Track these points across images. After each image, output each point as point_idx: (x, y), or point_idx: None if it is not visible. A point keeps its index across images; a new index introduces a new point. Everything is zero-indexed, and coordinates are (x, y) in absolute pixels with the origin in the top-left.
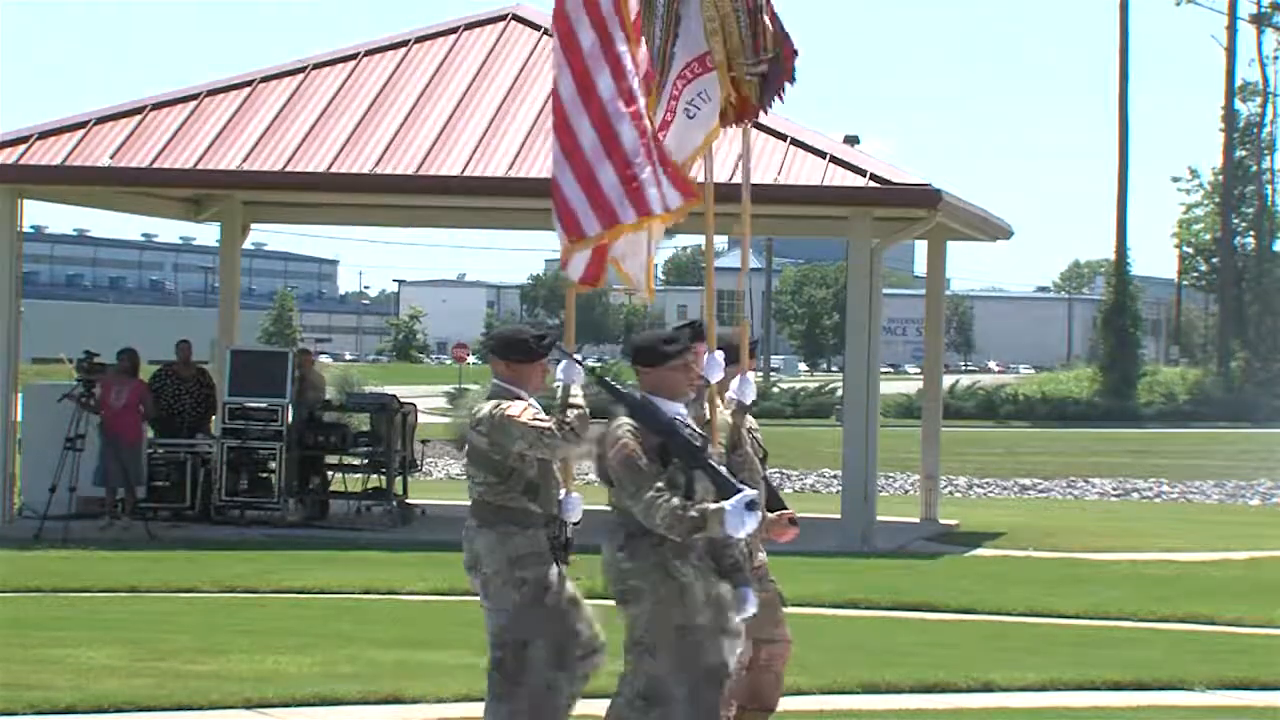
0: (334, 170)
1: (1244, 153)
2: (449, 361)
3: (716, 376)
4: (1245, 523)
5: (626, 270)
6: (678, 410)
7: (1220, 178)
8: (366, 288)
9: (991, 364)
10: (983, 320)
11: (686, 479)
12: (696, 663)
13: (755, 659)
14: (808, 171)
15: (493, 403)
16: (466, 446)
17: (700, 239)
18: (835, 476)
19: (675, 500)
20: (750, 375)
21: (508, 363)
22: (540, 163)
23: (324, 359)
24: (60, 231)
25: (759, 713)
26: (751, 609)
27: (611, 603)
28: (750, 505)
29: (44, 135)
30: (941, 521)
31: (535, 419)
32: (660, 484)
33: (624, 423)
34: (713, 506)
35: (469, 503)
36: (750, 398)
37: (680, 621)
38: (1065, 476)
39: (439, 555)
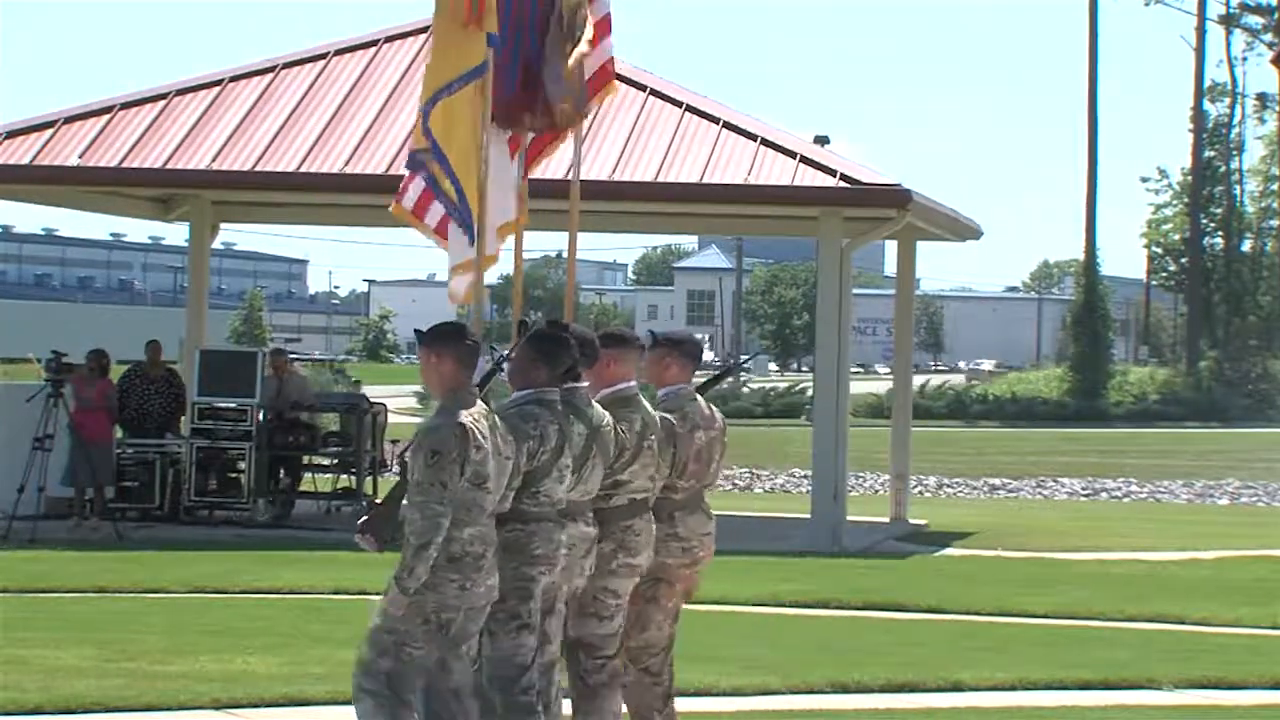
0: (303, 170)
1: (1213, 153)
2: (419, 362)
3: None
4: (1214, 522)
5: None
6: None
7: (1189, 178)
8: (336, 288)
9: (961, 364)
10: (952, 320)
11: None
12: None
13: None
14: (778, 171)
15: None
16: None
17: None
18: (805, 476)
19: None
20: None
21: None
22: None
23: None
24: (28, 231)
25: None
26: None
27: None
28: None
29: (12, 134)
30: (911, 521)
31: None
32: None
33: None
34: None
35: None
36: None
37: None
38: (1034, 476)
39: None
